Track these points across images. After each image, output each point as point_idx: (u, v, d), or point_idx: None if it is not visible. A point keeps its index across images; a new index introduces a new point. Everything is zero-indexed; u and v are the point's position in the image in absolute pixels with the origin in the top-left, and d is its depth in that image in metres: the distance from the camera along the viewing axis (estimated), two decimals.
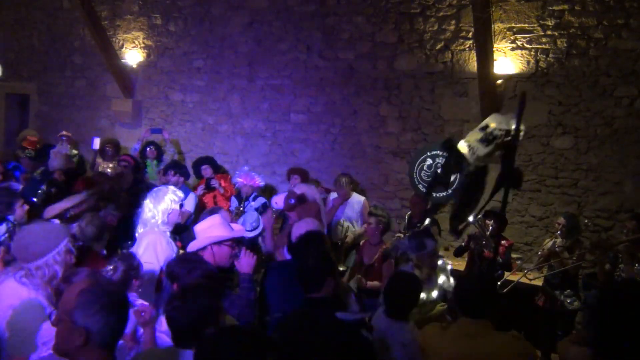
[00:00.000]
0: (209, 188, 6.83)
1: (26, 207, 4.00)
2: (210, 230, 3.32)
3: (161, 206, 3.69)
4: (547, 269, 5.24)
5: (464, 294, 2.65)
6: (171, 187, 3.94)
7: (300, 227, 3.33)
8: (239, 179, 6.38)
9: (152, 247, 3.52)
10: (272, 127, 8.02)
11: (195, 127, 8.65)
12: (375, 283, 4.48)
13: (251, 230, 4.78)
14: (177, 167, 6.46)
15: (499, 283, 4.46)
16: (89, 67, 9.54)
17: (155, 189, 3.90)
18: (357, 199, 6.20)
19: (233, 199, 6.53)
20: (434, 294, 3.76)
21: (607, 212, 6.00)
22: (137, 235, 3.75)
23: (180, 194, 3.88)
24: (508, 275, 4.96)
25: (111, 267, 2.92)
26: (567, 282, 5.15)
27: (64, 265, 2.71)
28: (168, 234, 3.74)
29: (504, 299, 4.39)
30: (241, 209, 6.15)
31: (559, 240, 5.20)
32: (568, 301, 5.14)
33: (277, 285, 3.32)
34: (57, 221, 3.68)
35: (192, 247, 3.31)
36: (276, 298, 3.26)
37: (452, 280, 3.89)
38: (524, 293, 5.29)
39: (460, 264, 5.78)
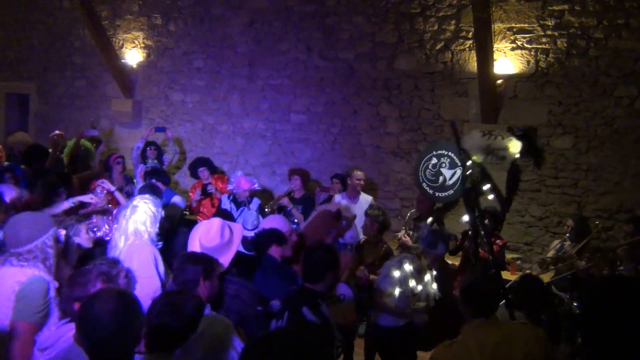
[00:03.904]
0: (206, 194, 6.77)
1: (13, 212, 3.97)
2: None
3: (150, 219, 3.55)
4: (553, 272, 5.21)
5: (478, 295, 2.67)
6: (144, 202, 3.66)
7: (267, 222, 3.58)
8: (242, 186, 6.06)
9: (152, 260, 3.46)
10: (272, 127, 8.02)
11: (195, 127, 8.65)
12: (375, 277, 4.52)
13: (252, 230, 4.86)
14: (156, 174, 6.36)
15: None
16: (89, 67, 9.54)
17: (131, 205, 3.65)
18: (365, 199, 6.07)
19: (225, 199, 6.38)
20: (419, 288, 3.93)
21: (607, 212, 6.00)
22: (119, 247, 3.53)
23: (153, 208, 3.63)
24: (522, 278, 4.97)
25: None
26: (577, 285, 5.05)
27: (55, 250, 2.87)
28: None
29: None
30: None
31: (567, 243, 5.18)
32: (575, 304, 5.10)
33: (268, 281, 3.45)
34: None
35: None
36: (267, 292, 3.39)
37: (434, 285, 4.02)
38: None
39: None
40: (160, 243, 3.61)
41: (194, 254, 3.01)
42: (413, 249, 4.81)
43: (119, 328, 1.86)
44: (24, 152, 6.68)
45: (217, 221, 3.37)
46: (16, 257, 2.78)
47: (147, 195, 3.78)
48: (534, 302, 3.44)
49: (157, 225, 3.57)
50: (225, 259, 3.22)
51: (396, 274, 3.89)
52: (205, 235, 3.25)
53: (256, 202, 6.21)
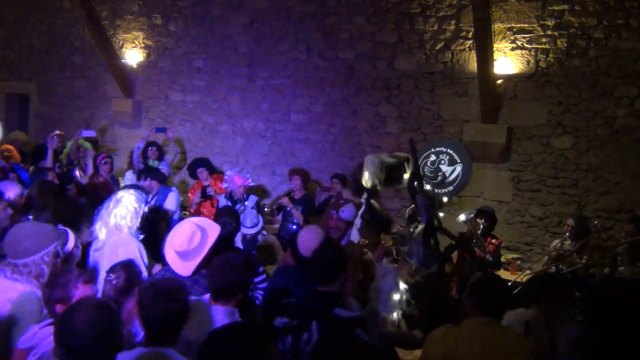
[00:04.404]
0: (205, 196, 6.75)
1: (9, 210, 3.94)
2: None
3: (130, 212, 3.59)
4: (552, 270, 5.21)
5: (488, 293, 2.65)
6: (130, 194, 3.71)
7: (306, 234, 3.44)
8: (235, 183, 6.17)
9: (137, 254, 3.46)
10: (272, 127, 8.02)
11: (195, 127, 8.65)
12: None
13: (252, 227, 4.84)
14: (150, 172, 6.35)
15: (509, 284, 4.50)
16: (89, 67, 9.54)
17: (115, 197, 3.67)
18: None
19: (222, 199, 6.38)
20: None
21: (607, 212, 6.00)
22: (100, 238, 3.55)
23: (135, 203, 3.65)
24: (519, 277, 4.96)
25: (114, 275, 2.84)
26: (576, 284, 5.07)
27: (50, 267, 2.75)
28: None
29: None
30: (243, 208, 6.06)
31: (567, 242, 5.17)
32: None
33: (286, 285, 3.37)
34: None
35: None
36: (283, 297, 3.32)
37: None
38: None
39: None
40: (142, 236, 3.64)
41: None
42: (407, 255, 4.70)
43: (98, 338, 1.84)
44: (22, 151, 6.72)
45: (187, 226, 3.25)
46: (11, 268, 2.69)
47: (132, 190, 3.78)
48: (555, 299, 3.23)
49: (138, 220, 3.61)
50: (190, 265, 3.14)
51: (396, 297, 3.81)
52: (176, 240, 3.18)
53: (253, 199, 6.21)
